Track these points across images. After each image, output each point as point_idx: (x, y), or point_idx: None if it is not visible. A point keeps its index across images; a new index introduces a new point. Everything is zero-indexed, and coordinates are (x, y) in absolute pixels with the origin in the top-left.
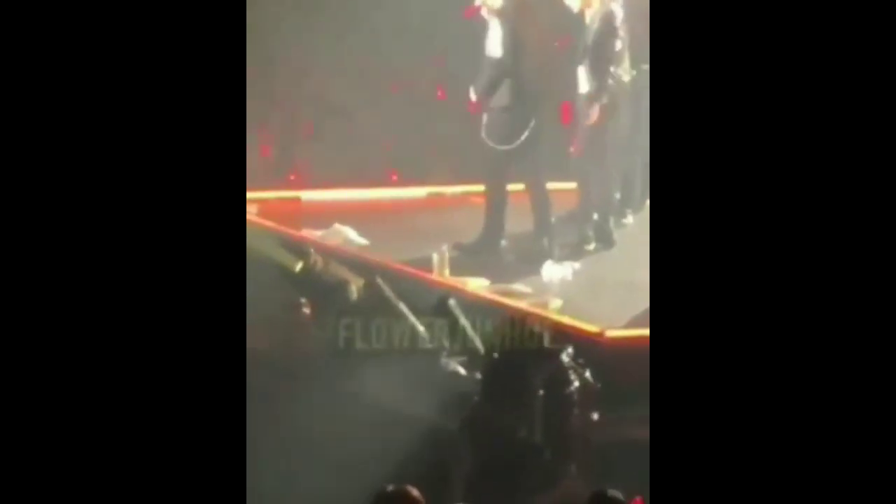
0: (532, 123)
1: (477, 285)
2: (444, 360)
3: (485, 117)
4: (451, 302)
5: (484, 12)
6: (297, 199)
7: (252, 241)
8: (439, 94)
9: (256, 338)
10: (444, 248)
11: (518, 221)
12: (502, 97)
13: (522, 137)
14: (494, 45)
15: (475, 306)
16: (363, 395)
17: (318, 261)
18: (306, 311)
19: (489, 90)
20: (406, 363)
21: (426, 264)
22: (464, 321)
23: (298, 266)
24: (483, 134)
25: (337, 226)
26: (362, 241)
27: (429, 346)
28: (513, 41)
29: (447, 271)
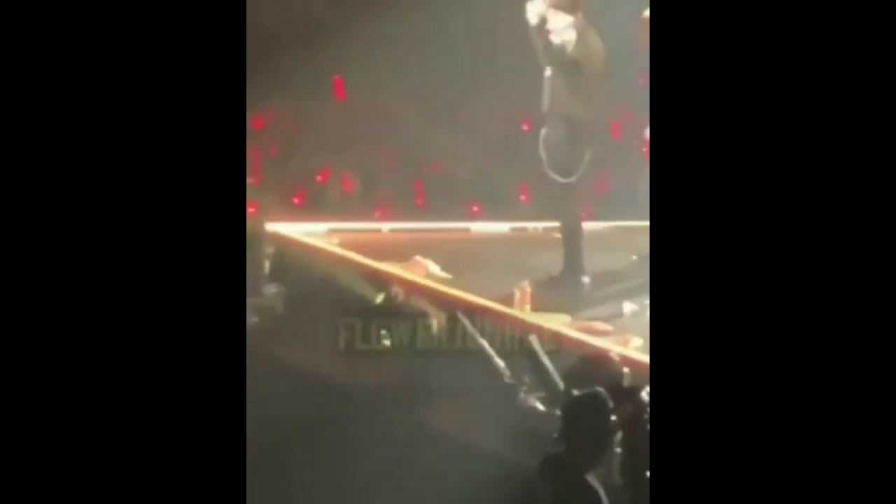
0: (587, 157)
1: (557, 322)
2: (522, 396)
3: (542, 148)
4: (532, 338)
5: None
6: (379, 231)
7: (334, 272)
8: (525, 127)
9: (336, 368)
10: (526, 283)
11: (601, 258)
12: (565, 105)
13: (580, 170)
14: (563, 39)
15: (555, 343)
16: (441, 428)
17: (399, 293)
18: (386, 342)
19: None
20: (485, 398)
21: (507, 299)
22: (543, 357)
23: (379, 298)
24: (545, 167)
25: (418, 258)
26: (444, 274)
27: (508, 381)
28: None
29: (528, 307)
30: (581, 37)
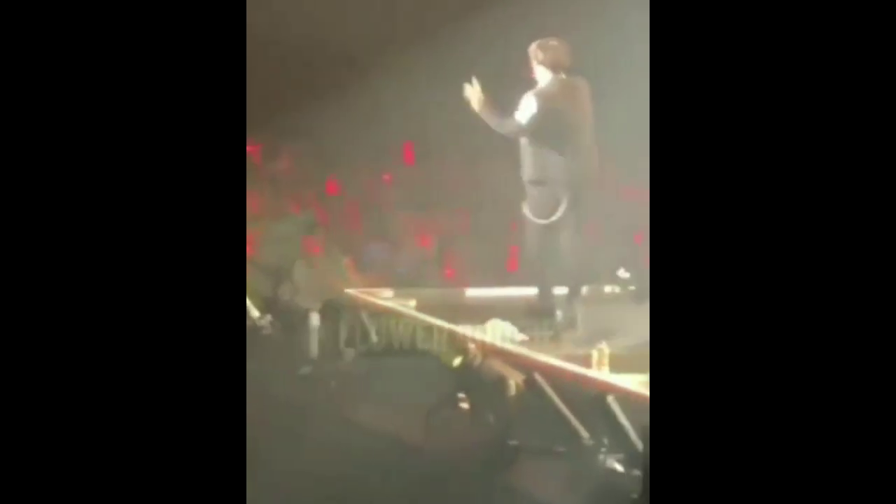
0: (566, 200)
1: (636, 382)
2: (601, 457)
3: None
4: (610, 399)
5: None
6: (456, 294)
7: (410, 335)
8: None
9: (414, 432)
10: (603, 344)
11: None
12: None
13: (557, 214)
14: (522, 113)
15: (634, 403)
16: (520, 489)
17: (476, 356)
18: (464, 405)
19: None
20: (564, 460)
21: (585, 361)
22: (622, 418)
23: (457, 361)
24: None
25: (496, 321)
26: (521, 336)
27: (586, 443)
28: (540, 116)
29: (606, 368)
30: (546, 103)
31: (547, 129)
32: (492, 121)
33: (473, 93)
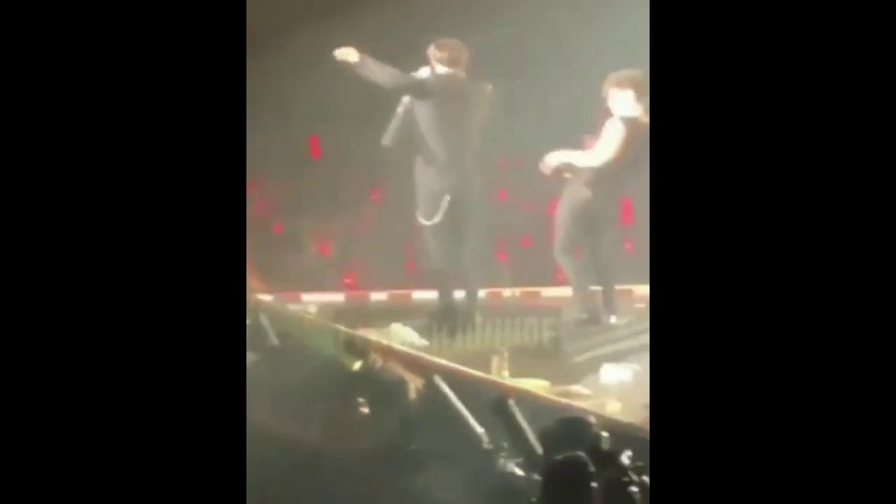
0: (447, 199)
1: (536, 386)
2: (501, 461)
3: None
4: (510, 403)
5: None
6: (356, 299)
7: (311, 339)
8: (500, 195)
9: (314, 435)
10: (504, 349)
11: None
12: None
13: (440, 215)
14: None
15: (534, 407)
16: (418, 493)
17: (376, 360)
18: (364, 410)
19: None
20: (464, 464)
21: (485, 365)
22: (521, 422)
23: (357, 365)
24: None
25: (396, 325)
26: (422, 341)
27: (486, 446)
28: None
29: (506, 372)
30: (437, 79)
31: (429, 106)
32: (375, 69)
33: (346, 52)
